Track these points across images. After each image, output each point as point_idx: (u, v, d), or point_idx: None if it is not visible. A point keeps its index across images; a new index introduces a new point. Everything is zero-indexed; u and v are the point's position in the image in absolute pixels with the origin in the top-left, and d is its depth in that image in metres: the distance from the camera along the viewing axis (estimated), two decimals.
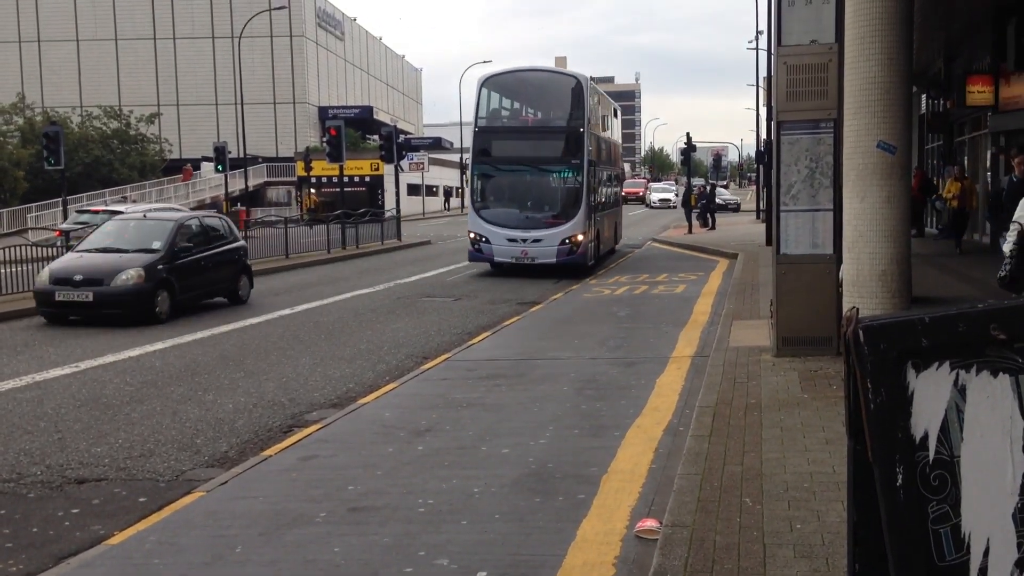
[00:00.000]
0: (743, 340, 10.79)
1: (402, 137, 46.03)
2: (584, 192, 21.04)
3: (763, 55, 40.28)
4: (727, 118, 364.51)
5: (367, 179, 51.90)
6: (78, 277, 14.39)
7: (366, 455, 7.14)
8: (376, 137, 53.49)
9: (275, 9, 55.28)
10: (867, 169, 7.60)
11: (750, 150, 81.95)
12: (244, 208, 43.77)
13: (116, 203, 37.66)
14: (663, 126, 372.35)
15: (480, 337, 12.74)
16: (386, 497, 6.11)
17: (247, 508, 6.00)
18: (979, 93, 19.57)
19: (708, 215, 37.57)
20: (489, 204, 21.81)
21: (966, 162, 23.68)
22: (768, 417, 7.17)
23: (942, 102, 25.37)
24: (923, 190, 23.45)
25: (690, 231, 34.52)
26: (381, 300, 17.48)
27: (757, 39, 45.21)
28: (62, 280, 14.46)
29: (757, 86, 44.94)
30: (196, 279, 15.81)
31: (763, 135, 37.77)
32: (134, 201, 41.19)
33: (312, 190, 49.67)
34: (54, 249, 19.05)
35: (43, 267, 15.75)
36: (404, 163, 49.74)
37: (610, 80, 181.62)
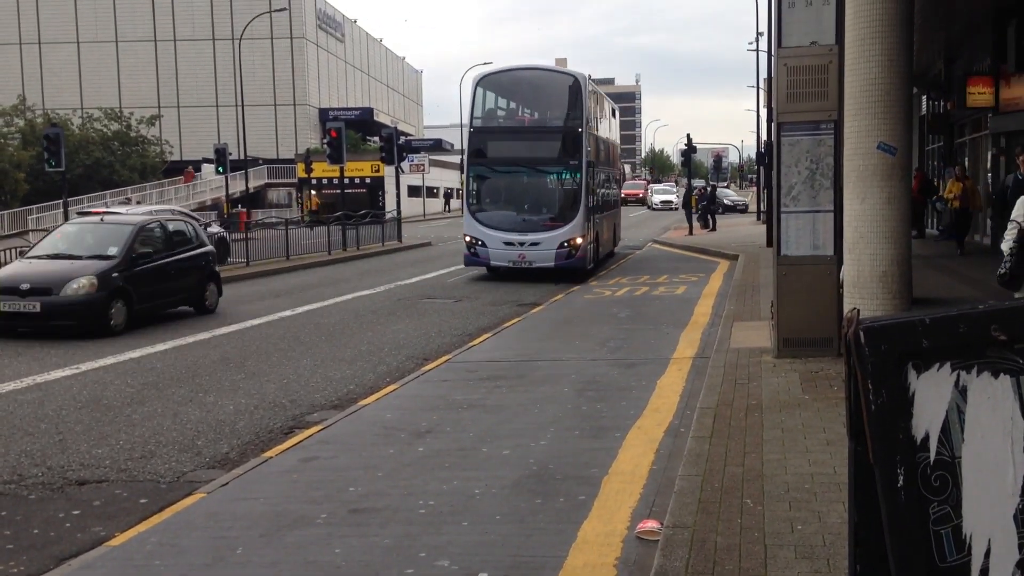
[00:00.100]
0: (744, 341, 10.79)
1: (403, 139, 46.10)
2: (583, 194, 20.57)
3: (763, 56, 40.32)
4: (727, 119, 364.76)
5: (368, 181, 51.97)
6: (25, 286, 13.21)
7: (367, 456, 7.14)
8: (377, 139, 53.49)
9: (276, 11, 55.36)
10: (867, 170, 7.61)
11: (751, 151, 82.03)
12: (245, 210, 43.77)
13: (120, 204, 37.59)
14: (663, 127, 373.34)
15: (481, 339, 12.74)
16: (387, 498, 6.11)
17: (248, 509, 6.00)
18: (979, 94, 19.56)
19: (709, 216, 37.57)
20: (485, 206, 21.31)
21: (967, 163, 23.68)
22: (769, 418, 7.17)
23: (942, 103, 25.39)
24: (923, 191, 23.45)
25: (691, 232, 34.50)
26: (382, 302, 17.48)
27: (757, 40, 45.22)
28: (8, 289, 13.25)
29: (757, 87, 44.96)
30: (157, 287, 14.75)
31: (763, 136, 37.78)
32: (138, 202, 41.17)
33: (312, 191, 49.70)
34: None
35: None
36: (405, 165, 49.76)
37: (610, 81, 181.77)
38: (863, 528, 2.55)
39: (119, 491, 6.57)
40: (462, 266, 22.49)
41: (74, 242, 14.76)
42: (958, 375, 2.44)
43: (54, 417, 8.70)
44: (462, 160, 55.72)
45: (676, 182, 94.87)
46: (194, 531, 5.67)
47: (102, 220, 16.15)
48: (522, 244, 20.54)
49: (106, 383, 10.24)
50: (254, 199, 54.95)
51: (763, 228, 28.07)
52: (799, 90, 9.50)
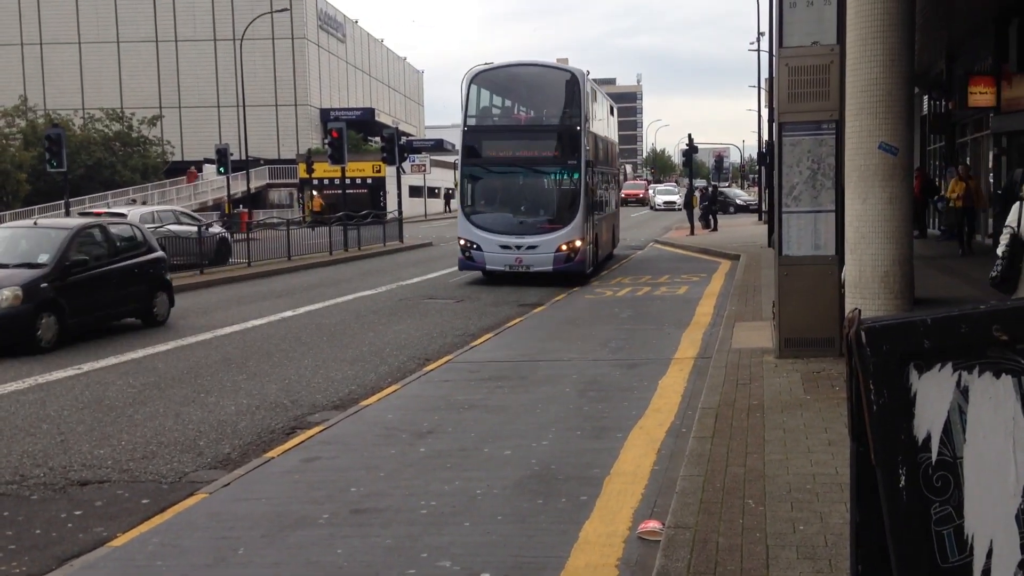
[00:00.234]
0: (745, 341, 10.79)
1: (404, 139, 46.07)
2: (582, 195, 19.71)
3: (764, 56, 40.30)
4: (729, 119, 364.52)
5: (369, 181, 51.95)
6: None
7: (368, 457, 7.15)
8: (378, 139, 53.49)
9: (277, 11, 55.34)
10: (869, 170, 7.60)
11: (752, 151, 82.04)
12: (246, 210, 43.79)
13: (126, 205, 37.57)
14: (665, 127, 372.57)
15: (482, 339, 12.74)
16: (389, 499, 6.11)
17: (250, 510, 6.00)
18: (981, 94, 19.55)
19: (710, 216, 37.57)
20: (480, 208, 20.43)
21: (968, 163, 23.65)
22: (771, 418, 7.17)
23: (944, 103, 25.37)
24: (925, 191, 23.44)
25: (692, 233, 34.48)
26: (383, 302, 17.48)
27: (759, 40, 45.17)
28: None
29: (759, 87, 44.93)
30: (96, 298, 13.35)
31: (765, 136, 37.76)
32: (143, 203, 41.20)
33: (314, 192, 49.71)
34: None
35: None
36: (406, 165, 49.74)
37: (612, 82, 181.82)
38: (865, 528, 2.54)
39: (121, 491, 6.58)
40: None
41: (4, 249, 13.36)
42: (960, 375, 2.44)
43: (56, 417, 8.71)
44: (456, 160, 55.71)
45: (677, 182, 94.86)
46: (196, 531, 5.67)
47: (35, 224, 14.91)
48: (519, 248, 19.69)
49: (108, 383, 10.25)
50: (255, 199, 54.96)
51: (764, 228, 28.05)
52: (800, 90, 9.50)
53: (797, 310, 9.60)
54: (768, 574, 4.33)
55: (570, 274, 19.73)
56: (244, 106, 48.93)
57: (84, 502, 6.37)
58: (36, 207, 41.95)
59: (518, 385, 9.67)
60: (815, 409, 7.41)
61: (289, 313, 15.90)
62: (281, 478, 6.67)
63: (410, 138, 64.16)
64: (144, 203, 41.57)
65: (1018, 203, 7.09)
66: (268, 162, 60.30)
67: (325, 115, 66.24)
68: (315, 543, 5.38)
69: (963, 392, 2.43)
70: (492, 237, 19.88)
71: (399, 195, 38.05)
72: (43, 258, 12.89)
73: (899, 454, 2.41)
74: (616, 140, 28.61)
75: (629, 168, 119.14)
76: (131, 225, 15.59)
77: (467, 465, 6.85)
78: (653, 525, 5.30)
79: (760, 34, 44.25)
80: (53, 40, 65.73)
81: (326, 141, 38.02)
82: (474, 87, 20.72)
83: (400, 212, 36.83)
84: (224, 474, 6.88)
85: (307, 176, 47.86)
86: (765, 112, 37.90)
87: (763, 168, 37.33)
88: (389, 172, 45.56)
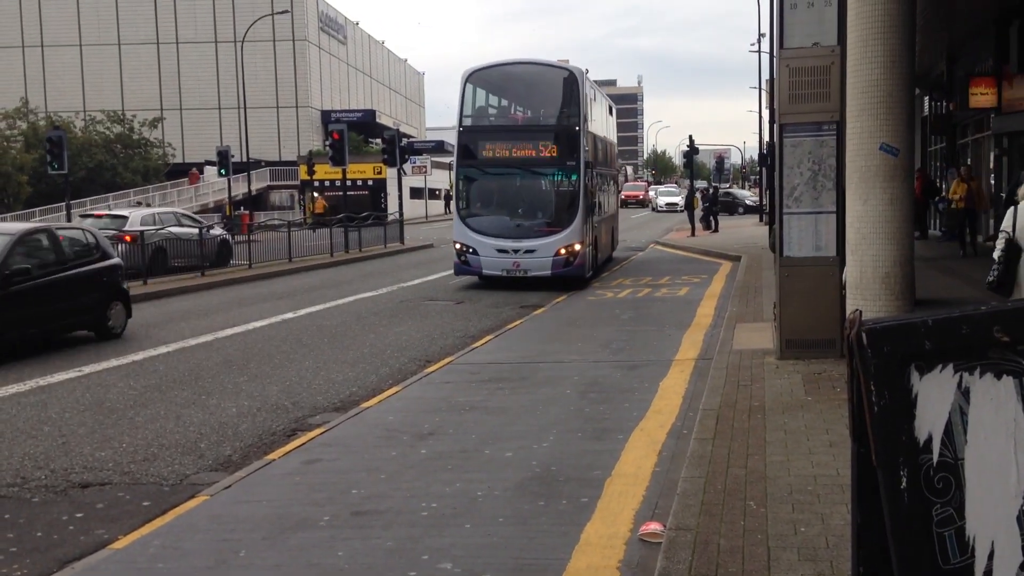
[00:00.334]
0: (746, 343, 10.78)
1: (405, 140, 46.03)
2: (581, 196, 19.14)
3: (765, 58, 40.32)
4: (729, 121, 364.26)
5: (370, 183, 52.00)
6: None
7: (369, 459, 7.15)
8: (379, 141, 53.46)
9: (278, 13, 55.39)
10: (870, 171, 7.60)
11: (753, 153, 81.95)
12: (247, 212, 43.83)
13: (128, 207, 37.56)
14: (665, 129, 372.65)
15: (483, 340, 12.74)
16: (389, 501, 6.11)
17: (251, 512, 6.00)
18: (982, 95, 19.54)
19: (711, 218, 37.57)
20: (476, 211, 19.85)
21: (969, 164, 23.65)
22: (772, 420, 7.16)
23: (945, 104, 25.36)
24: (926, 192, 23.43)
25: (693, 234, 34.48)
26: (384, 303, 17.48)
27: (759, 42, 45.23)
28: None
29: (759, 89, 44.97)
30: (40, 309, 12.31)
31: (766, 138, 37.77)
32: (148, 205, 41.20)
33: (316, 194, 49.74)
34: None
35: None
36: (407, 166, 49.70)
37: (612, 83, 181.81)
38: (866, 530, 2.54)
39: (122, 494, 6.58)
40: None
41: None
42: (961, 377, 2.43)
43: (57, 420, 8.71)
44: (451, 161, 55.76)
45: (678, 183, 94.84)
46: (197, 534, 5.67)
47: None
48: (516, 251, 19.10)
49: (109, 385, 10.25)
50: (256, 201, 54.98)
51: (765, 229, 28.03)
52: (801, 91, 9.50)
53: (798, 311, 9.60)
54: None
55: (569, 278, 19.31)
56: (245, 108, 48.98)
57: (85, 504, 6.37)
58: (37, 209, 42.01)
59: (519, 387, 9.67)
60: (816, 410, 7.41)
61: (290, 315, 15.90)
62: (282, 480, 6.67)
63: (411, 140, 64.20)
64: (148, 205, 41.61)
65: (1013, 207, 7.14)
66: (269, 164, 60.31)
67: (326, 117, 66.21)
68: (316, 545, 5.38)
69: (964, 393, 2.43)
70: (489, 241, 19.31)
71: (400, 197, 38.07)
72: None
73: (900, 455, 2.41)
74: (615, 140, 28.27)
75: (630, 169, 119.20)
76: (83, 230, 14.53)
77: (468, 467, 6.85)
78: (654, 527, 5.30)
79: (761, 35, 44.32)
80: (54, 42, 65.74)
81: (327, 143, 38.04)
82: (469, 86, 19.97)
83: (401, 214, 36.84)
84: (225, 476, 6.88)
85: (308, 178, 47.93)
86: (766, 113, 37.96)
87: (764, 169, 37.32)
88: (390, 174, 45.58)
